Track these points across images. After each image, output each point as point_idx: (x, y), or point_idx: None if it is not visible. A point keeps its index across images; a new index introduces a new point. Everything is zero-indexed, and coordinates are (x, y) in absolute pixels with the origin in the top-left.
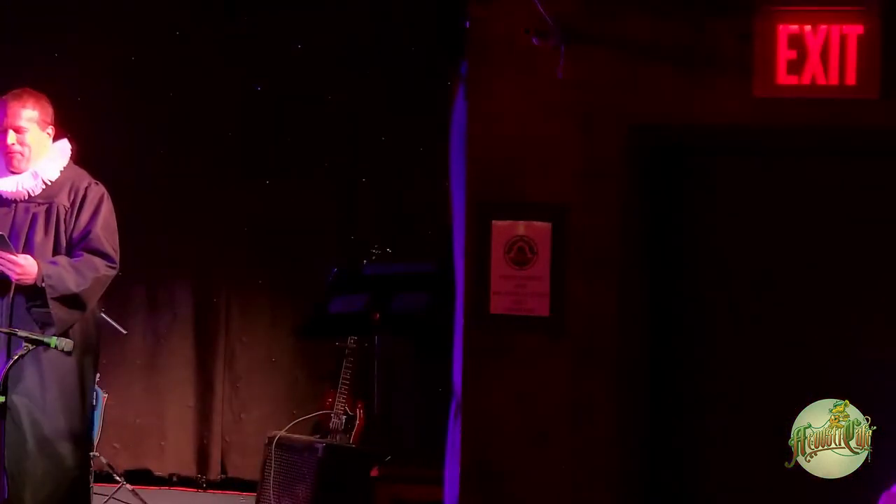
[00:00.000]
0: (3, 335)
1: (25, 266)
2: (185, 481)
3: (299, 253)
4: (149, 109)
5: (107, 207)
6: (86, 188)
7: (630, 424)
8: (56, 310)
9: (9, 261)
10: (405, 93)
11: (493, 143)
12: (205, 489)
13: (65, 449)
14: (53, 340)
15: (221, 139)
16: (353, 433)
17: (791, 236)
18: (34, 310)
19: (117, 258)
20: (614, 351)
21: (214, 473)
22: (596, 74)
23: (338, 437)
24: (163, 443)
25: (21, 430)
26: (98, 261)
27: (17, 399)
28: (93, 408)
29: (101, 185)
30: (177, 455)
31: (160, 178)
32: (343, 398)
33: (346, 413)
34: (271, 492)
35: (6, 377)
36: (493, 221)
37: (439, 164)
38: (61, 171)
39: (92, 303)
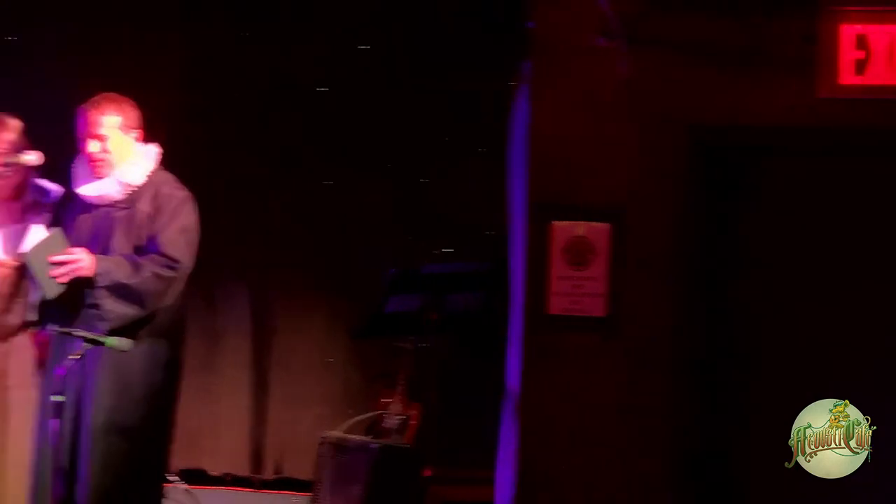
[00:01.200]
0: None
1: (84, 258)
2: (239, 481)
3: (357, 253)
4: (212, 111)
5: (186, 213)
6: (168, 193)
7: (683, 426)
8: (105, 300)
9: (72, 262)
10: (467, 92)
11: (553, 143)
12: (259, 489)
13: (126, 450)
14: (109, 340)
15: (284, 139)
16: (408, 433)
17: (852, 238)
18: (90, 310)
19: (184, 261)
20: (669, 352)
21: (269, 473)
22: (656, 75)
23: (392, 438)
24: (218, 442)
25: (80, 430)
26: (160, 259)
27: (78, 398)
28: (167, 410)
29: (185, 189)
30: (231, 455)
31: (219, 178)
32: (398, 398)
33: (400, 413)
34: (325, 492)
35: (63, 377)
36: (553, 222)
37: (499, 165)
38: (147, 176)
39: (150, 301)
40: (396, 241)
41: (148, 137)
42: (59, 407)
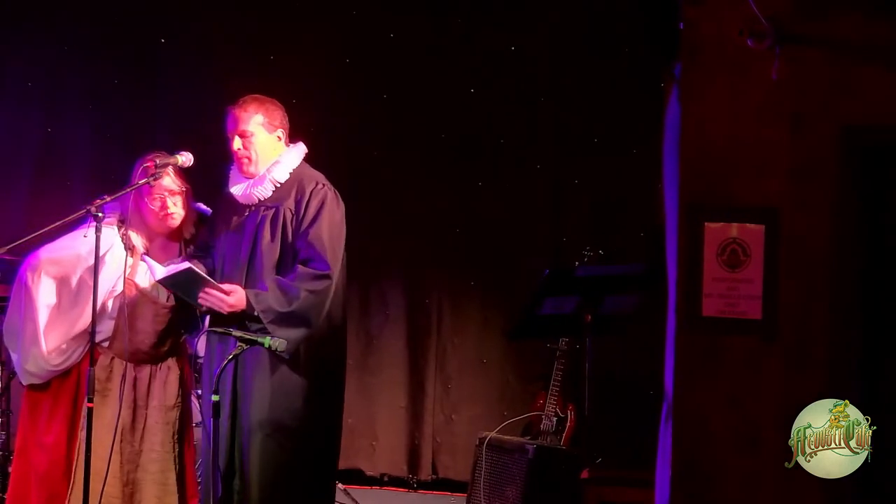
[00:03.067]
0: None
1: (235, 299)
2: (395, 481)
3: (511, 254)
4: (363, 111)
5: (329, 211)
6: (311, 191)
7: None
8: (276, 330)
9: (218, 298)
10: (618, 94)
11: (706, 144)
12: (415, 489)
13: (281, 449)
14: (267, 340)
15: (434, 140)
16: (564, 435)
17: None
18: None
19: (332, 262)
20: (827, 354)
21: (425, 474)
22: (809, 75)
23: (548, 439)
24: (374, 443)
25: (235, 430)
26: (307, 272)
27: (234, 401)
28: (325, 414)
29: (328, 187)
30: (388, 455)
31: (373, 179)
32: (554, 400)
33: (556, 415)
34: (482, 492)
35: (219, 377)
36: (706, 223)
37: (651, 166)
38: (290, 173)
39: (315, 316)
40: (550, 243)
41: (300, 136)
42: (216, 406)
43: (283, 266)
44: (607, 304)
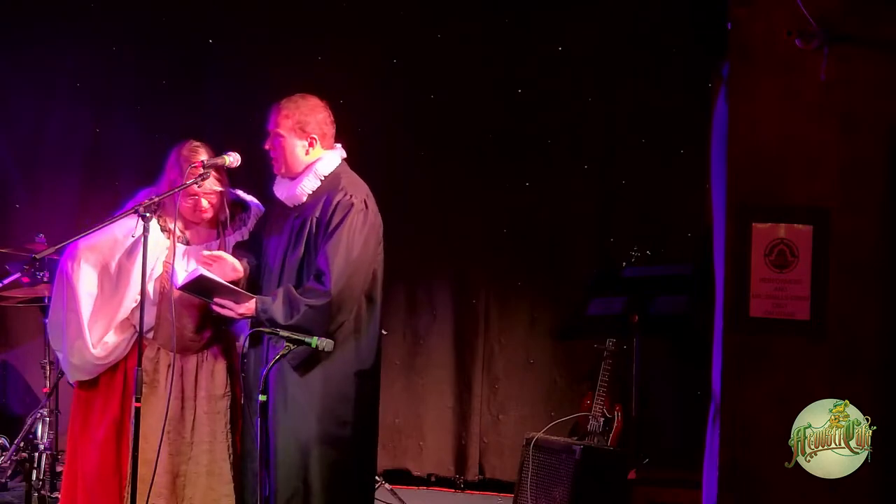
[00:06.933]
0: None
1: (245, 308)
2: (442, 481)
3: (558, 255)
4: (410, 111)
5: (349, 224)
6: (337, 202)
7: (891, 433)
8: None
9: (230, 305)
10: (665, 94)
11: (754, 144)
12: (462, 490)
13: (321, 453)
14: (314, 340)
15: (482, 141)
16: (611, 435)
17: None
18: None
19: (336, 278)
20: (875, 356)
21: (472, 474)
22: (858, 75)
23: (595, 440)
24: (421, 443)
25: (273, 433)
26: (311, 289)
27: (271, 401)
28: (364, 412)
29: (354, 197)
30: (435, 455)
31: (421, 180)
32: (601, 400)
33: (603, 415)
34: (528, 493)
35: (267, 377)
36: (754, 224)
37: (699, 166)
38: (322, 180)
39: (315, 330)
40: (598, 243)
41: (346, 137)
42: (264, 406)
43: (305, 276)
44: (655, 304)
